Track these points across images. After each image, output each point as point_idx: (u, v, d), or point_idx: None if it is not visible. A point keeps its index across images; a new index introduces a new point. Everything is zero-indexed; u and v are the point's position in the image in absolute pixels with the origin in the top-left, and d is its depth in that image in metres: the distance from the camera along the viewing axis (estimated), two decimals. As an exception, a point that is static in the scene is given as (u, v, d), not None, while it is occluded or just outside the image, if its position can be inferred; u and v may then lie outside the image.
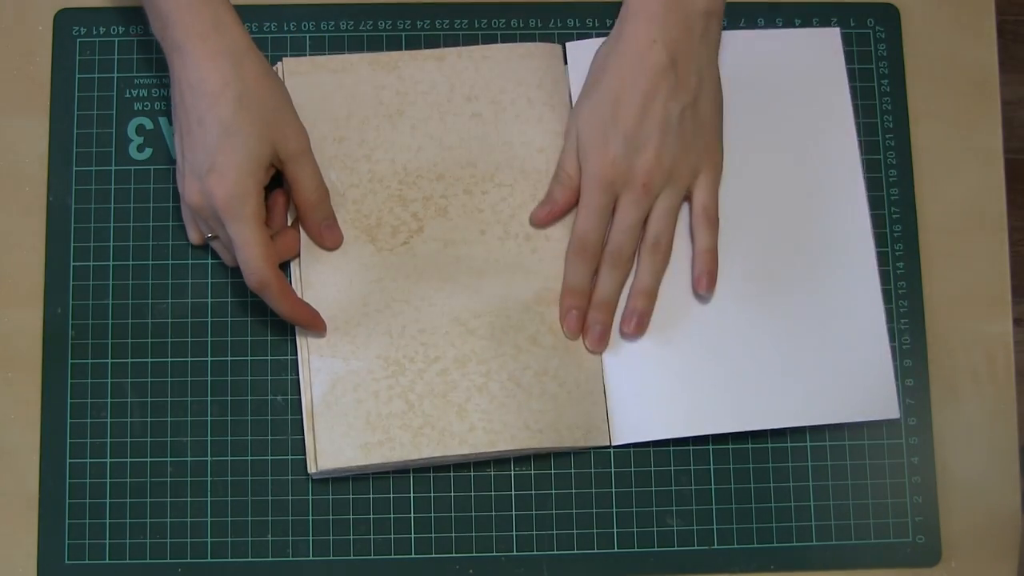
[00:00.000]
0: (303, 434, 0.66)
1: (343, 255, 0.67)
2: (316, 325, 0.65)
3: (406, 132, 0.68)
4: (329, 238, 0.66)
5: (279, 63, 0.69)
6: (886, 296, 0.70)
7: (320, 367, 0.65)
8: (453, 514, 0.67)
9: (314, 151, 0.65)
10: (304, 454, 0.66)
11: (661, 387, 0.66)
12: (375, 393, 0.65)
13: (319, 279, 0.66)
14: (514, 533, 0.67)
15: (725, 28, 0.69)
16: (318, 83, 0.69)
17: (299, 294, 0.66)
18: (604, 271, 0.66)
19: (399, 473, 0.67)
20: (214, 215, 0.61)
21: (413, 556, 0.66)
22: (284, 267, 0.67)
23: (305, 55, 0.70)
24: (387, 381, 0.65)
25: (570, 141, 0.67)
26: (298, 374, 0.66)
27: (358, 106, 0.69)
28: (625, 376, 0.66)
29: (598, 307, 0.66)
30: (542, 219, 0.67)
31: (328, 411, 0.65)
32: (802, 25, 0.72)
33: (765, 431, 0.68)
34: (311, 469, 0.65)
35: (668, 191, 0.65)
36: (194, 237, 0.67)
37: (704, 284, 0.66)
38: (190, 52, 0.60)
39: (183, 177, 0.62)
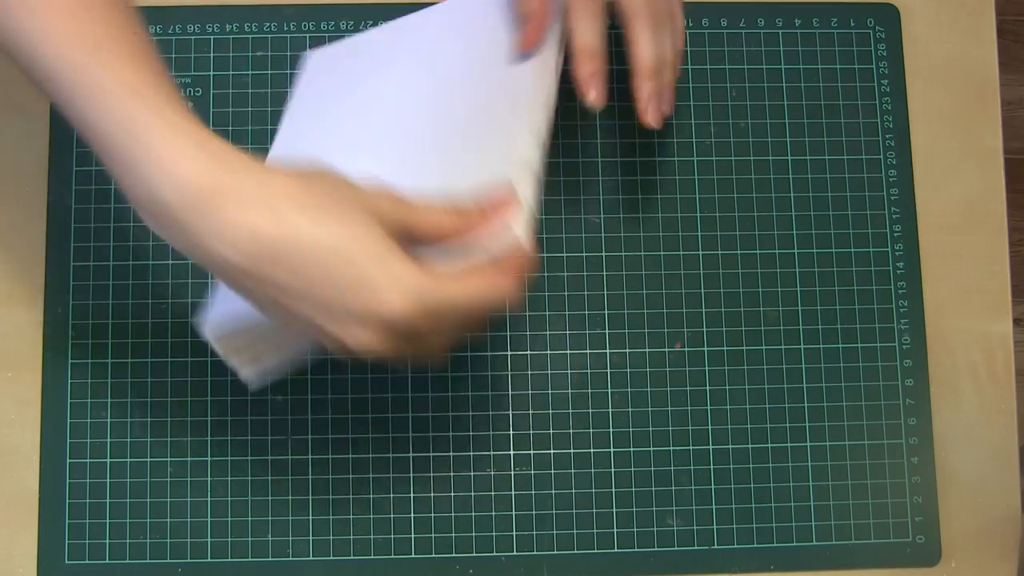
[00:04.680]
0: (304, 433, 0.66)
1: None
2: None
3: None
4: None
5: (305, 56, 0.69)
6: (886, 296, 0.70)
7: None
8: (453, 514, 0.67)
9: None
10: (305, 454, 0.66)
11: None
12: None
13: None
14: (514, 533, 0.67)
15: (725, 28, 0.68)
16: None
17: None
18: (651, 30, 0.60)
19: (399, 473, 0.67)
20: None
21: (413, 556, 0.66)
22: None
23: (306, 55, 0.70)
24: None
25: None
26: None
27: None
28: None
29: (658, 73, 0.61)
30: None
31: None
32: (802, 26, 0.73)
33: (765, 431, 0.68)
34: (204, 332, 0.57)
35: None
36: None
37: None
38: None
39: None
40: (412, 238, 0.46)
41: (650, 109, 0.61)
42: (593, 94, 0.60)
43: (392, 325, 0.43)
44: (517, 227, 0.51)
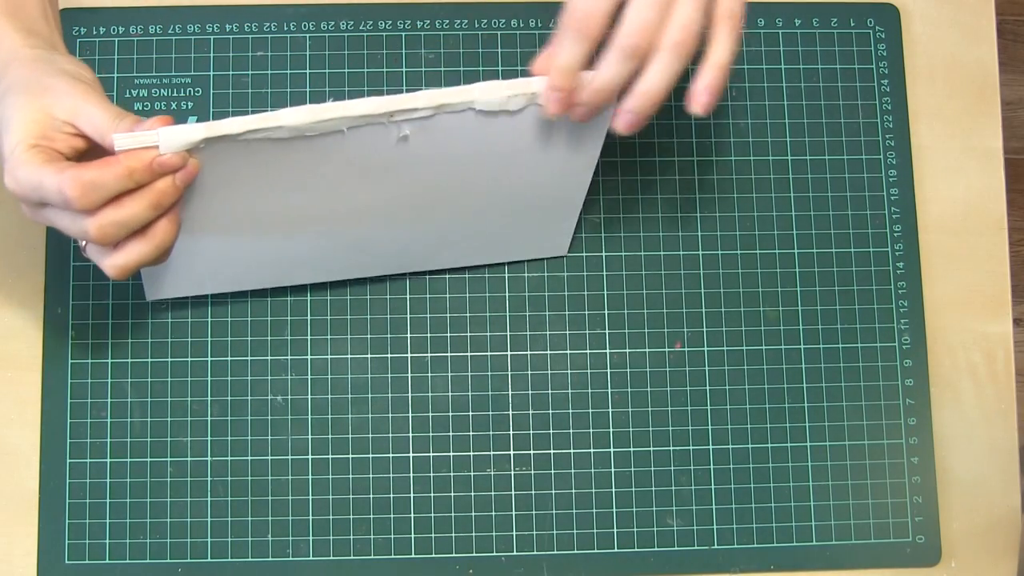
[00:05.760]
0: (304, 433, 0.67)
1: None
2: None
3: None
4: None
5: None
6: (886, 296, 0.70)
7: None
8: (453, 514, 0.67)
9: None
10: (305, 454, 0.67)
11: None
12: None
13: None
14: (514, 533, 0.67)
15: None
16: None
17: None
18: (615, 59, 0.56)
19: (399, 473, 0.67)
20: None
21: (413, 556, 0.66)
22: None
23: (306, 55, 0.70)
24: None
25: None
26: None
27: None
28: None
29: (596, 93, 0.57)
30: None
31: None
32: (802, 26, 0.73)
33: (765, 431, 0.68)
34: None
35: None
36: None
37: (701, 101, 0.58)
38: None
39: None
40: (79, 128, 0.54)
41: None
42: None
43: (6, 188, 0.54)
44: (159, 134, 0.52)
